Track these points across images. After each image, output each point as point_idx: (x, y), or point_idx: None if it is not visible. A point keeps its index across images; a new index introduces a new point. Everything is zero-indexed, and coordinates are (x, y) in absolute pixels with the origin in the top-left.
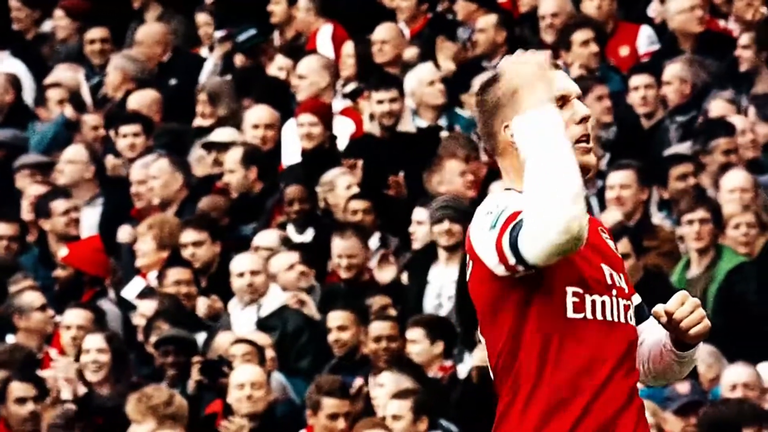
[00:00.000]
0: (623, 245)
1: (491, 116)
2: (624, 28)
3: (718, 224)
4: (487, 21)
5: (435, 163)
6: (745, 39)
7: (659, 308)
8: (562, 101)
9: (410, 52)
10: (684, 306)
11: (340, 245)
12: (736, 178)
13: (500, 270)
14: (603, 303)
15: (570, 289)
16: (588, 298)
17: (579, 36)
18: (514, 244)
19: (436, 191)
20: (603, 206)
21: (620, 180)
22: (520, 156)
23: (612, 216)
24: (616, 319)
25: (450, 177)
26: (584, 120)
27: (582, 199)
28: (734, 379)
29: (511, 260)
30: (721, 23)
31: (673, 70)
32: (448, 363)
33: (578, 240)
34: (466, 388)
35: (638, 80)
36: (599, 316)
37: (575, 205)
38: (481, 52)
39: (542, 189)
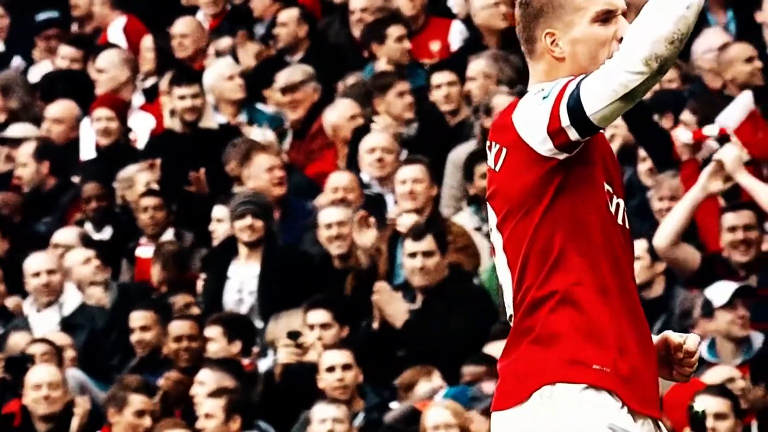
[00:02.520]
0: (427, 243)
1: (534, 20)
2: (435, 23)
3: None
4: (288, 15)
5: (244, 158)
6: None
7: (678, 338)
8: (607, 16)
9: (213, 47)
10: (696, 355)
11: (159, 273)
12: None
13: (545, 148)
14: (624, 209)
15: (606, 186)
16: (615, 200)
17: (392, 31)
18: (575, 98)
19: (244, 186)
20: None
21: (412, 174)
22: (554, 63)
23: (406, 210)
24: (627, 227)
25: (257, 172)
26: None
27: (675, 44)
28: None
29: (565, 121)
30: None
31: (478, 66)
32: (247, 361)
33: (654, 76)
34: (267, 386)
35: (441, 77)
36: (619, 221)
37: (663, 43)
38: (282, 47)
39: (641, 22)
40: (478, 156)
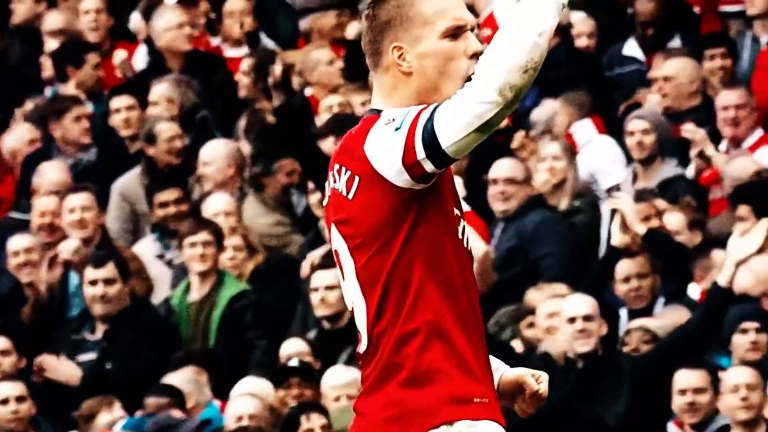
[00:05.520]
0: (108, 270)
1: (380, 33)
2: (122, 47)
3: (220, 247)
4: None
5: None
6: (245, 65)
7: (534, 384)
8: (456, 31)
9: None
10: (545, 397)
11: None
12: (219, 202)
13: (401, 179)
14: (468, 231)
15: (456, 211)
16: (461, 223)
17: (90, 57)
18: (429, 131)
19: None
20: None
21: (81, 202)
22: (401, 77)
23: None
24: (470, 249)
25: None
26: (476, 56)
27: (528, 72)
28: None
29: (420, 154)
30: (214, 41)
31: (160, 90)
32: None
33: (508, 105)
34: None
35: (119, 102)
36: (465, 245)
37: (517, 72)
38: None
39: (494, 50)
40: (155, 184)
